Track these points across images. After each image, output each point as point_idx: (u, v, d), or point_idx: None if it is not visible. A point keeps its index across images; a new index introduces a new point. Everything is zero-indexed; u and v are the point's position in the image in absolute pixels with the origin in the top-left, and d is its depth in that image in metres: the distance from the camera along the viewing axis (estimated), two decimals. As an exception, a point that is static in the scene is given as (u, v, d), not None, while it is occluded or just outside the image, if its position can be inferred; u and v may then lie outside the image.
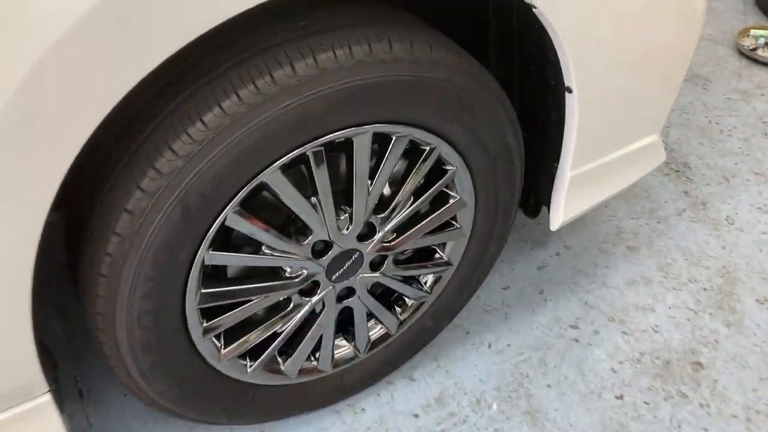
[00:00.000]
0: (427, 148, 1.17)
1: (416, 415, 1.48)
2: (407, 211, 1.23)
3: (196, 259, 1.04)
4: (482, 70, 1.17)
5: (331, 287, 1.24)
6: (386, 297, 1.40)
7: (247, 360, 1.25)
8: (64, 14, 0.73)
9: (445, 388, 1.53)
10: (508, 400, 1.51)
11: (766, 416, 1.49)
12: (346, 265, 1.23)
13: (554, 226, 1.44)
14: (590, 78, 1.22)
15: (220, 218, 1.02)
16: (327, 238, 1.16)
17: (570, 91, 1.22)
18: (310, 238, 1.14)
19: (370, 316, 1.37)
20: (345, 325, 1.37)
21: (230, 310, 1.15)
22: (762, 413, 1.49)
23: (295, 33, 0.99)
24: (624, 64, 1.27)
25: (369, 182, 1.14)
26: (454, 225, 1.33)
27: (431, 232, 1.30)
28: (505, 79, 1.37)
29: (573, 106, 1.24)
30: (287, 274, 1.18)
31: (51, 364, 1.12)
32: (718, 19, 2.89)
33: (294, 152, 1.02)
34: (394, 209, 1.21)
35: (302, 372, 1.34)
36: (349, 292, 1.29)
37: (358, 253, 1.22)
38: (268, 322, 1.22)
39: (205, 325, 1.13)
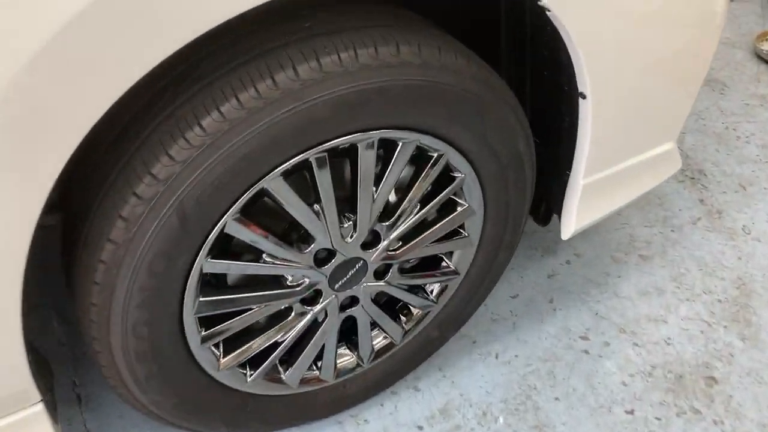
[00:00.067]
0: (435, 155, 1.14)
1: (420, 427, 1.44)
2: (413, 219, 1.19)
3: (194, 268, 1.00)
4: (493, 75, 1.13)
5: (333, 296, 1.20)
6: (391, 306, 1.37)
7: (247, 369, 1.22)
8: (58, 9, 0.70)
9: (451, 399, 1.49)
10: (515, 413, 1.47)
11: (782, 435, 1.44)
12: (350, 273, 1.19)
13: (565, 235, 1.40)
14: (605, 83, 1.18)
15: (219, 225, 0.99)
16: (330, 247, 1.12)
17: (584, 97, 1.18)
18: (312, 246, 1.10)
19: (374, 325, 1.33)
20: (348, 334, 1.33)
21: (230, 319, 1.12)
22: (778, 431, 1.45)
23: (298, 35, 0.95)
24: (640, 69, 1.23)
25: (374, 189, 1.10)
26: (461, 233, 1.29)
27: (438, 241, 1.27)
28: (517, 83, 1.33)
29: (586, 112, 1.20)
30: (289, 283, 1.15)
31: (46, 371, 1.10)
32: (735, 22, 2.83)
33: (296, 158, 0.99)
34: (399, 217, 1.17)
35: (304, 381, 1.31)
36: (353, 301, 1.26)
37: (362, 261, 1.18)
38: (269, 331, 1.18)
39: (203, 333, 1.10)
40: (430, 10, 1.15)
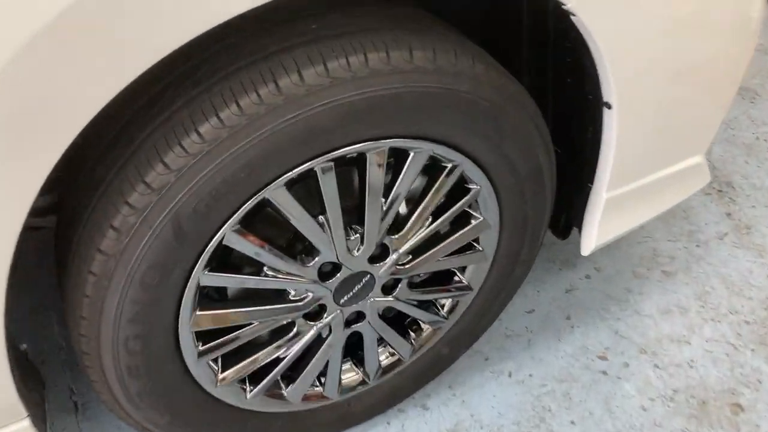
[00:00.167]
0: (449, 165, 1.07)
1: (428, 448, 1.38)
2: (425, 232, 1.13)
3: (191, 281, 0.95)
4: (513, 82, 1.06)
5: (338, 311, 1.15)
6: (399, 321, 1.30)
7: (247, 385, 1.16)
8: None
9: (461, 419, 1.43)
10: (527, 436, 1.40)
11: (812, 468, 1.36)
12: (356, 288, 1.13)
13: (586, 251, 1.33)
14: (632, 92, 1.12)
15: (217, 237, 0.93)
16: (335, 260, 1.06)
17: (609, 107, 1.12)
18: (316, 259, 1.05)
19: (381, 341, 1.27)
20: (354, 349, 1.28)
21: (229, 333, 1.07)
22: (807, 464, 1.37)
23: (305, 37, 0.90)
24: (669, 77, 1.16)
25: (383, 200, 1.05)
26: (475, 247, 1.23)
27: (451, 255, 1.20)
28: (538, 91, 1.26)
29: (611, 122, 1.14)
30: (291, 297, 1.09)
31: (36, 383, 1.05)
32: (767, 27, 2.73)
33: (300, 168, 0.93)
34: (410, 230, 1.11)
35: (307, 398, 1.25)
36: (359, 316, 1.20)
37: (369, 275, 1.12)
38: (270, 347, 1.13)
39: (200, 348, 1.05)
40: (449, 12, 1.09)
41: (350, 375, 1.30)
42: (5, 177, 0.73)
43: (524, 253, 1.30)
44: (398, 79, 0.92)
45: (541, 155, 1.15)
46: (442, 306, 1.31)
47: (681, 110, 1.26)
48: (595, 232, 1.31)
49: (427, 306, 1.29)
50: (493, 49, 1.08)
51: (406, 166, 1.03)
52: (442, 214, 1.13)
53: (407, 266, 1.16)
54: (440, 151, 1.04)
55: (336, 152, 0.94)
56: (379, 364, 1.30)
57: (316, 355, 1.19)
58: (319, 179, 0.96)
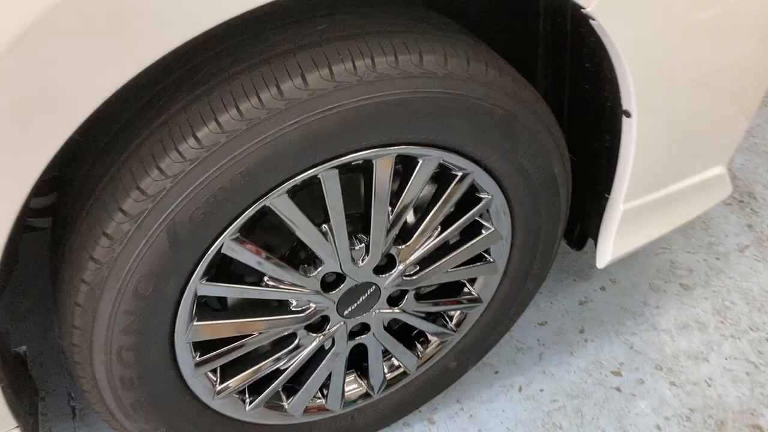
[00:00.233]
0: (459, 174, 1.03)
1: (433, 464, 1.34)
2: (433, 242, 1.09)
3: (187, 291, 0.92)
4: (527, 89, 1.02)
5: (342, 323, 1.11)
6: (405, 333, 1.26)
7: (246, 396, 1.12)
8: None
9: (468, 435, 1.38)
10: (537, 454, 1.35)
11: (835, 495, 1.30)
12: (361, 299, 1.09)
13: (601, 263, 1.28)
14: (652, 100, 1.07)
15: (215, 246, 0.90)
16: (339, 270, 1.02)
17: (628, 115, 1.07)
18: (319, 269, 1.01)
19: (387, 353, 1.23)
20: (358, 360, 1.23)
21: (228, 344, 1.03)
22: (830, 491, 1.31)
23: (310, 39, 0.86)
24: (691, 85, 1.11)
25: (390, 209, 1.00)
26: (486, 258, 1.18)
27: (460, 266, 1.16)
28: (555, 98, 1.21)
29: (630, 131, 1.09)
30: (293, 308, 1.05)
31: (29, 391, 1.02)
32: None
33: (303, 175, 0.89)
34: (418, 240, 1.07)
35: (308, 411, 1.21)
36: (363, 327, 1.16)
37: (374, 286, 1.08)
38: (271, 358, 1.09)
39: (197, 359, 1.01)
40: (464, 15, 1.05)
41: (354, 387, 1.26)
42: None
43: (537, 265, 1.25)
44: (406, 84, 0.88)
45: (556, 165, 1.11)
46: (451, 318, 1.26)
47: (703, 119, 1.21)
48: (612, 244, 1.26)
49: (434, 318, 1.25)
50: (508, 54, 1.03)
51: (414, 174, 0.99)
52: (452, 224, 1.09)
53: (414, 277, 1.11)
54: (450, 158, 1.00)
55: (341, 159, 0.91)
56: (384, 377, 1.26)
57: (319, 367, 1.15)
58: (323, 187, 0.92)
